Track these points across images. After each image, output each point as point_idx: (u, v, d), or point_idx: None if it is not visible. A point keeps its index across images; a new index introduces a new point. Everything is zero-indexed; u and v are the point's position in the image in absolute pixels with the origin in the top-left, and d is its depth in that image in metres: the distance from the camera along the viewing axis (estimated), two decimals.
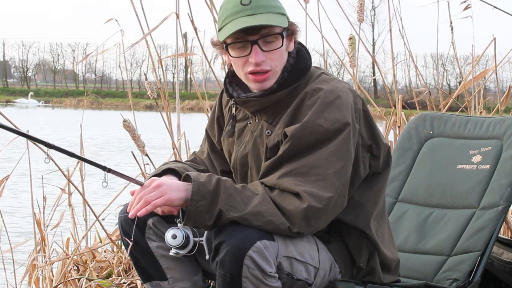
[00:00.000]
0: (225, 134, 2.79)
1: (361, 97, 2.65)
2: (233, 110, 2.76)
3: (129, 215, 2.55)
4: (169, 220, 2.73)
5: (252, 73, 2.59)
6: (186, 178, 2.56)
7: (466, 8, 4.60)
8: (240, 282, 2.46)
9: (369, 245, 2.66)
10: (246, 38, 2.57)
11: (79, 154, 2.68)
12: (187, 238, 2.64)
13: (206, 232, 2.60)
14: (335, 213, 2.54)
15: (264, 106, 2.65)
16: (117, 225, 2.83)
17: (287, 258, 2.52)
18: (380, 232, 2.69)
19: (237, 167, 2.74)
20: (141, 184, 2.60)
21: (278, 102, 2.64)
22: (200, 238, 2.64)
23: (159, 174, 2.70)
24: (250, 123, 2.72)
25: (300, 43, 2.70)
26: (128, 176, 2.63)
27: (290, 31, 2.62)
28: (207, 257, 2.58)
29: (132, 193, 2.60)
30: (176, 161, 2.92)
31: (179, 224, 2.64)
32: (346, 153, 2.52)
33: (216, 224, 2.48)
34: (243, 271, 2.45)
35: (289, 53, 2.65)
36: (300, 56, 2.67)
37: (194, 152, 2.98)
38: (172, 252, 2.66)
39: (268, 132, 2.65)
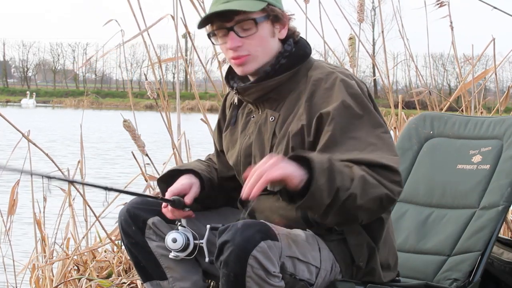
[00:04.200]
0: (227, 128, 2.81)
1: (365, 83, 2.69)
2: (235, 100, 2.78)
3: (247, 196, 2.41)
4: (169, 220, 2.74)
5: (233, 58, 2.64)
6: (295, 158, 2.45)
7: (441, 5, 4.60)
8: (244, 282, 2.45)
9: (369, 243, 2.66)
10: (224, 25, 2.62)
11: (78, 180, 2.65)
12: (187, 241, 2.64)
13: (206, 234, 2.60)
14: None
15: (264, 92, 2.66)
16: (117, 224, 2.83)
17: (290, 258, 2.52)
18: (381, 229, 2.69)
19: (241, 159, 2.74)
20: (147, 196, 2.61)
21: (279, 88, 2.66)
22: (201, 241, 2.64)
23: (176, 174, 2.72)
24: (253, 116, 2.73)
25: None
26: (132, 192, 2.62)
27: (273, 16, 2.63)
28: (206, 259, 2.58)
29: (246, 176, 2.46)
30: (197, 160, 2.94)
31: (179, 228, 2.63)
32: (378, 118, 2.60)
33: (331, 204, 2.42)
34: (247, 271, 2.44)
35: (285, 40, 2.66)
36: (301, 43, 2.69)
37: (208, 155, 3.00)
38: (172, 255, 2.66)
39: (272, 118, 2.66)
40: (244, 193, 2.41)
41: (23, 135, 4.29)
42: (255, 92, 2.66)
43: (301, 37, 2.73)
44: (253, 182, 2.39)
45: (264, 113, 2.70)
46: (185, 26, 4.42)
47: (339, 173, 2.42)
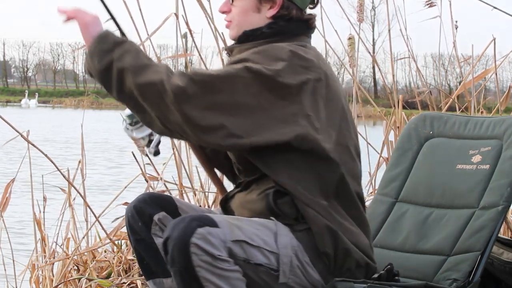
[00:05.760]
0: None
1: (328, 74, 2.68)
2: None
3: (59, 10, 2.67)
4: (175, 216, 2.74)
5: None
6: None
7: (431, 5, 4.60)
8: (195, 273, 2.48)
9: (329, 227, 2.63)
10: None
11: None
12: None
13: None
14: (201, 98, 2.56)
15: (242, 53, 2.74)
16: (123, 221, 2.85)
17: (237, 243, 2.53)
18: (338, 214, 2.67)
19: None
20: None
21: None
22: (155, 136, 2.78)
23: None
24: None
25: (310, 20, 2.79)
26: None
27: None
28: (152, 151, 2.77)
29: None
30: None
31: None
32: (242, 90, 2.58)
33: (106, 71, 2.57)
34: (193, 260, 2.47)
35: (279, 17, 2.73)
36: (297, 23, 2.76)
37: None
38: (123, 124, 2.78)
39: None
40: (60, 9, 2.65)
41: (21, 135, 4.28)
42: (237, 53, 2.75)
43: (310, 19, 2.79)
44: (68, 9, 2.66)
45: None
46: (187, 23, 4.42)
47: (127, 52, 2.57)
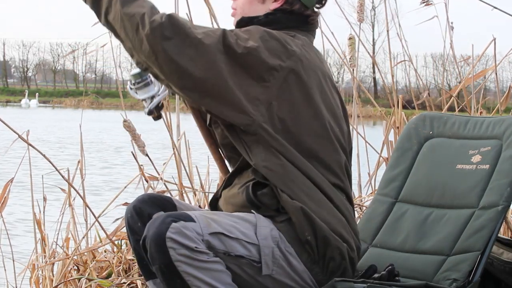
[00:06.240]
0: None
1: (309, 66, 2.71)
2: None
3: None
4: None
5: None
6: None
7: (427, 4, 4.60)
8: (175, 267, 2.49)
9: (305, 211, 2.63)
10: None
11: None
12: (146, 77, 2.83)
13: (161, 90, 2.86)
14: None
15: None
16: (122, 222, 2.87)
17: (215, 236, 2.54)
18: (308, 195, 2.66)
19: None
20: None
21: None
22: (159, 92, 2.85)
23: None
24: None
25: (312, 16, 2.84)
26: None
27: None
28: (147, 110, 2.87)
29: None
30: None
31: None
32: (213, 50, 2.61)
33: None
34: (171, 255, 2.48)
35: (280, 10, 2.79)
36: (296, 18, 2.81)
37: None
38: (129, 84, 2.83)
39: None
40: None
41: (19, 136, 4.27)
42: None
43: (311, 16, 2.83)
44: None
45: None
46: (191, 21, 4.42)
47: None
